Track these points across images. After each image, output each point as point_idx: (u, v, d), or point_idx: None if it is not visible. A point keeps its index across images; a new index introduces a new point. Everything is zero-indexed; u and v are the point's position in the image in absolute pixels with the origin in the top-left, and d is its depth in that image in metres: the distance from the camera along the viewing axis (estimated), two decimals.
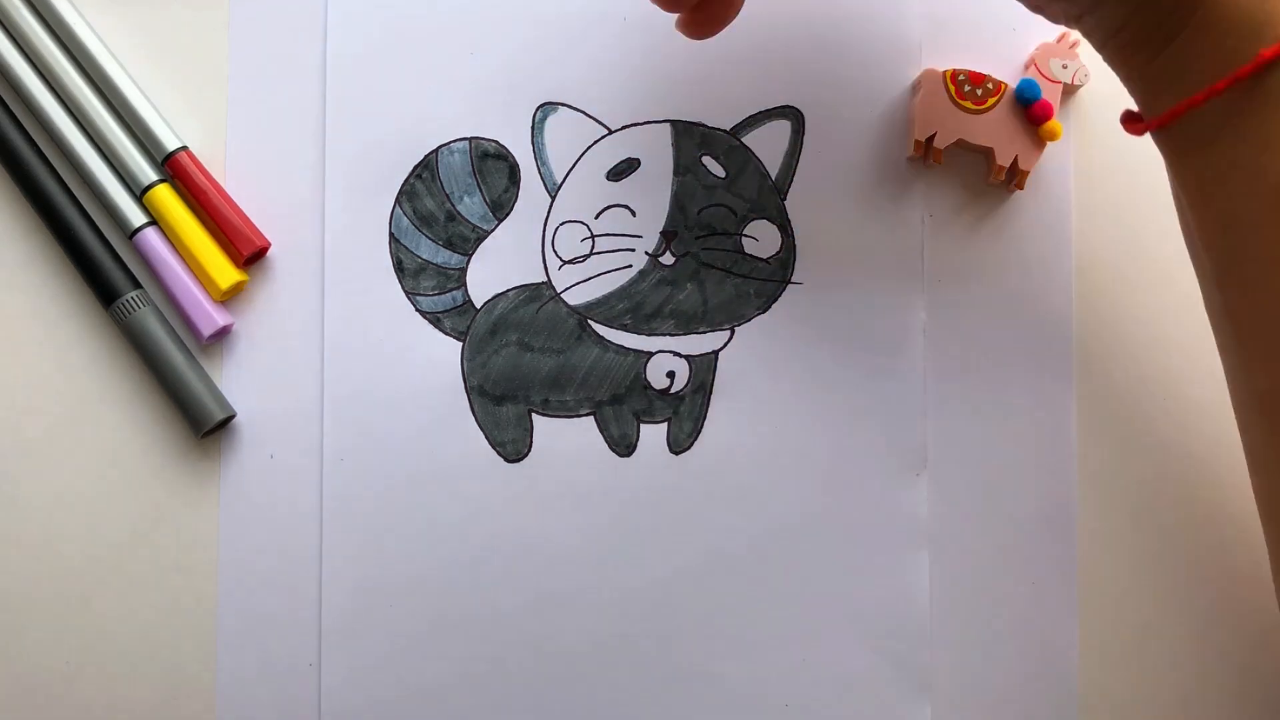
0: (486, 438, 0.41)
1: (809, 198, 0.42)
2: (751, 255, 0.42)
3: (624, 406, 0.42)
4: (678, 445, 0.42)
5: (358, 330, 0.42)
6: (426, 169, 0.42)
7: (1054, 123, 0.41)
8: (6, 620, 0.41)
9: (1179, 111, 0.31)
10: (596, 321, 0.42)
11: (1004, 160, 0.41)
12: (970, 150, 0.42)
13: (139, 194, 0.42)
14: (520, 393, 0.42)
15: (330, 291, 0.42)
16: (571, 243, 0.42)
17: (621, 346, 0.42)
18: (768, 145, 0.42)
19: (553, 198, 0.42)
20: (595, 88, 0.42)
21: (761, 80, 0.42)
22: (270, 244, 0.42)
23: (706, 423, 0.42)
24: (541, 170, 0.42)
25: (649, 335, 0.42)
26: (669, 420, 0.42)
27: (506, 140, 0.42)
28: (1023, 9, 0.35)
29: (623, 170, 0.42)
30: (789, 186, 0.42)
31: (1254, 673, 0.41)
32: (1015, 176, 0.41)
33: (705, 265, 0.42)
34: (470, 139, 0.42)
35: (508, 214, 0.42)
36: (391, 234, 0.42)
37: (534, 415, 0.42)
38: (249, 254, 0.41)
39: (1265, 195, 0.30)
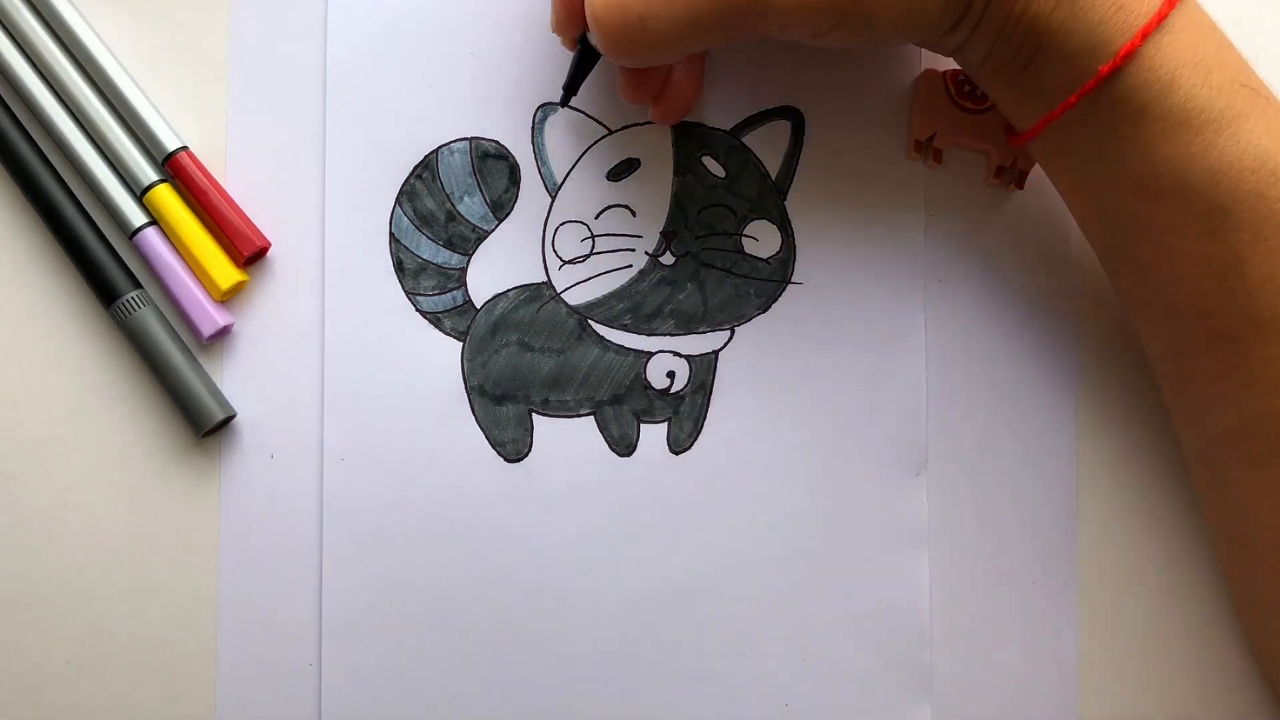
0: (486, 438, 0.41)
1: (809, 198, 0.42)
2: (751, 255, 0.42)
3: (624, 406, 0.42)
4: (678, 445, 0.42)
5: (358, 330, 0.42)
6: (426, 169, 0.42)
7: None
8: (6, 620, 0.41)
9: (1042, 125, 0.36)
10: (597, 321, 0.42)
11: (1004, 160, 0.41)
12: (970, 150, 0.42)
13: (139, 194, 0.42)
14: (520, 393, 0.42)
15: (330, 291, 0.42)
16: (571, 243, 0.42)
17: (621, 346, 0.42)
18: (768, 145, 0.42)
19: (553, 198, 0.42)
20: (595, 88, 0.42)
21: (761, 80, 0.42)
22: (270, 244, 0.42)
23: (706, 423, 0.42)
24: (541, 170, 0.42)
25: (649, 335, 0.42)
26: (669, 420, 0.42)
27: (507, 140, 0.42)
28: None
29: (623, 170, 0.42)
30: (789, 186, 0.42)
31: (1254, 673, 0.41)
32: (1015, 176, 0.41)
33: (705, 265, 0.42)
34: (470, 139, 0.42)
35: (508, 214, 0.42)
36: (391, 234, 0.42)
37: (534, 415, 0.42)
38: (249, 254, 0.41)
39: (1127, 183, 0.35)
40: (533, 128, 0.42)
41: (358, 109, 0.42)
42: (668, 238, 0.42)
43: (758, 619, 0.41)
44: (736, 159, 0.42)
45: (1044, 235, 0.42)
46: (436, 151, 0.42)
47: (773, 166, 0.42)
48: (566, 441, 0.42)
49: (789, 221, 0.42)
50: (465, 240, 0.42)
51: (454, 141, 0.42)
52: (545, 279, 0.42)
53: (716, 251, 0.42)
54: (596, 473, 0.41)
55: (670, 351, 0.42)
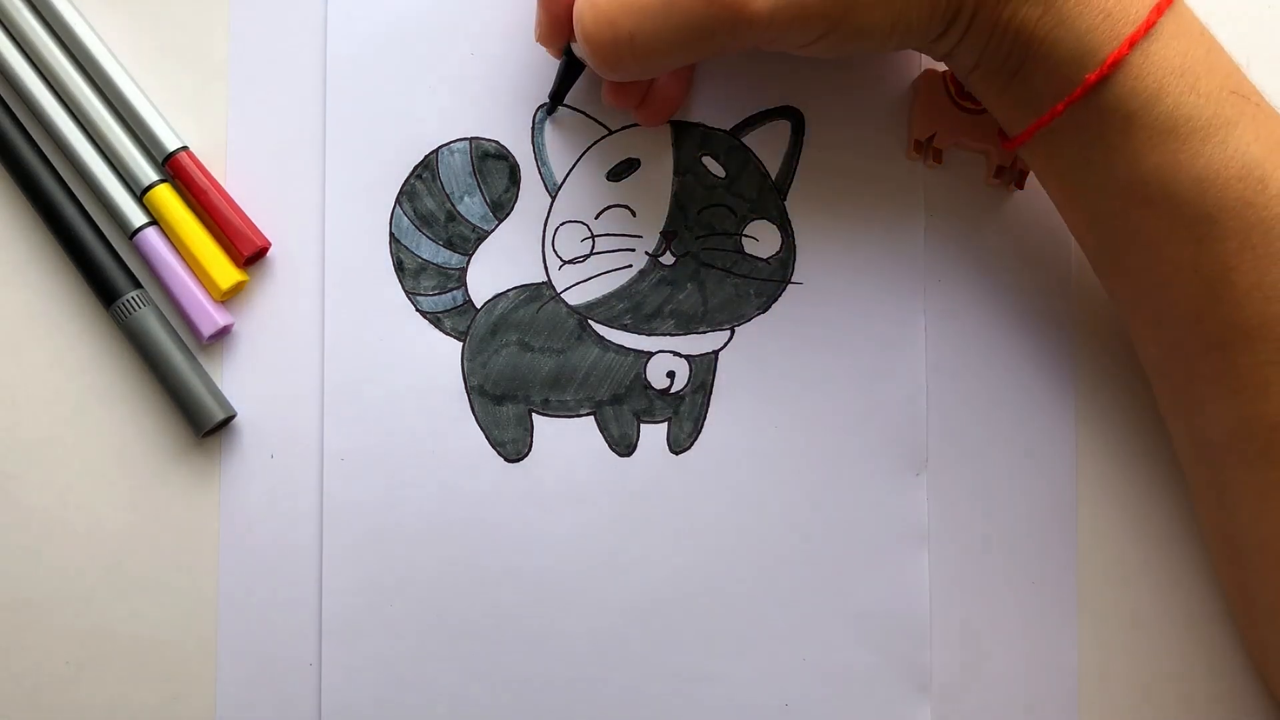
0: (486, 438, 0.41)
1: (809, 198, 0.42)
2: (751, 255, 0.42)
3: (624, 406, 0.42)
4: (678, 445, 0.42)
5: (358, 330, 0.42)
6: (426, 169, 0.42)
7: None
8: (6, 620, 0.41)
9: (1031, 131, 0.36)
10: (597, 321, 0.42)
11: (1004, 160, 0.41)
12: (970, 150, 0.42)
13: (139, 194, 0.42)
14: (520, 392, 0.42)
15: (330, 291, 0.42)
16: (572, 243, 0.42)
17: (621, 346, 0.42)
18: (768, 145, 0.42)
19: (553, 198, 0.42)
20: (596, 88, 0.42)
21: (761, 80, 0.42)
22: (270, 244, 0.42)
23: (706, 423, 0.42)
24: (542, 170, 0.42)
25: (649, 335, 0.42)
26: (669, 420, 0.42)
27: (507, 140, 0.42)
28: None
29: (623, 170, 0.42)
30: (789, 186, 0.42)
31: (1254, 672, 0.41)
32: (1015, 176, 0.41)
33: (705, 265, 0.42)
34: (470, 139, 0.42)
35: (508, 214, 0.42)
36: (391, 234, 0.42)
37: (534, 415, 0.42)
38: (249, 254, 0.41)
39: (1116, 190, 0.35)
40: (533, 128, 0.42)
41: (358, 109, 0.42)
42: (668, 238, 0.42)
43: (758, 619, 0.41)
44: (736, 159, 0.42)
45: (1044, 235, 0.42)
46: (436, 151, 0.42)
47: (773, 166, 0.42)
48: (566, 441, 0.42)
49: (789, 221, 0.42)
50: (465, 240, 0.42)
51: (454, 141, 0.42)
52: (545, 279, 0.42)
53: (716, 251, 0.42)
54: (596, 473, 0.41)
55: (670, 351, 0.42)
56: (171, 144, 0.42)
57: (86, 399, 0.42)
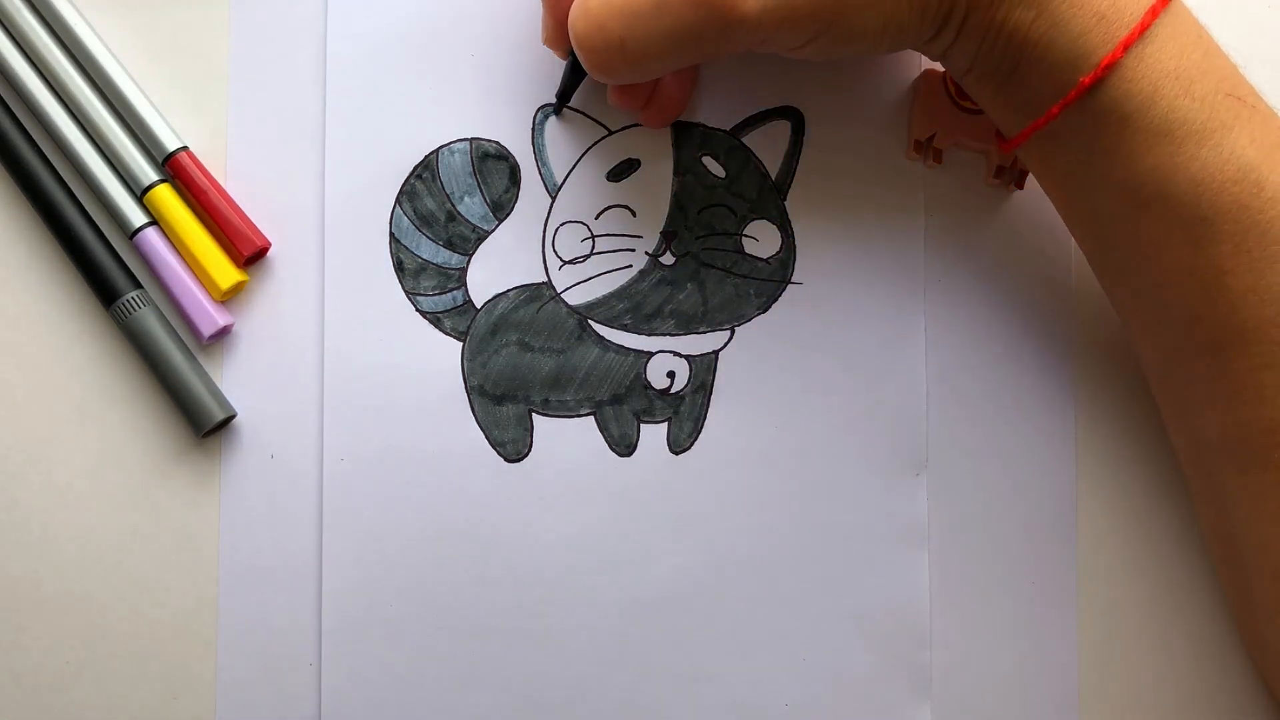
0: (486, 438, 0.41)
1: (809, 198, 0.42)
2: (751, 255, 0.42)
3: (624, 406, 0.42)
4: (678, 445, 0.42)
5: (358, 330, 0.42)
6: (427, 169, 0.42)
7: None
8: (6, 620, 0.41)
9: (1027, 133, 0.36)
10: (597, 321, 0.42)
11: (1004, 160, 0.41)
12: (970, 150, 0.42)
13: (139, 194, 0.42)
14: (520, 393, 0.42)
15: (330, 291, 0.42)
16: (572, 243, 0.42)
17: (621, 346, 0.42)
18: (768, 145, 0.42)
19: (553, 198, 0.42)
20: (596, 89, 0.42)
21: (761, 80, 0.42)
22: (270, 244, 0.42)
23: (706, 423, 0.42)
24: (542, 171, 0.42)
25: (649, 335, 0.42)
26: (669, 420, 0.42)
27: (507, 141, 0.42)
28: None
29: (623, 170, 0.42)
30: (789, 186, 0.42)
31: (1254, 673, 0.41)
32: (1015, 176, 0.41)
33: (705, 265, 0.42)
34: (470, 139, 0.42)
35: (508, 214, 0.42)
36: (392, 234, 0.42)
37: (534, 415, 0.42)
38: (249, 254, 0.41)
39: (1112, 192, 0.35)
40: (533, 128, 0.42)
41: (358, 109, 0.42)
42: (668, 238, 0.42)
43: (758, 619, 0.41)
44: (736, 159, 0.42)
45: (1044, 235, 0.42)
46: (436, 151, 0.42)
47: (773, 166, 0.42)
48: (566, 441, 0.42)
49: (789, 221, 0.42)
50: (465, 240, 0.42)
51: (454, 142, 0.42)
52: (545, 279, 0.42)
53: (716, 251, 0.42)
54: (596, 473, 0.41)
55: (670, 351, 0.42)
56: (171, 144, 0.42)
57: (86, 399, 0.42)
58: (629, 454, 0.42)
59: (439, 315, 0.42)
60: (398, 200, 0.42)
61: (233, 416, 0.41)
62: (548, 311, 0.42)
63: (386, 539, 0.41)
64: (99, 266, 0.41)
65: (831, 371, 0.42)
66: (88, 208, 0.42)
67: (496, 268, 0.42)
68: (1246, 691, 0.41)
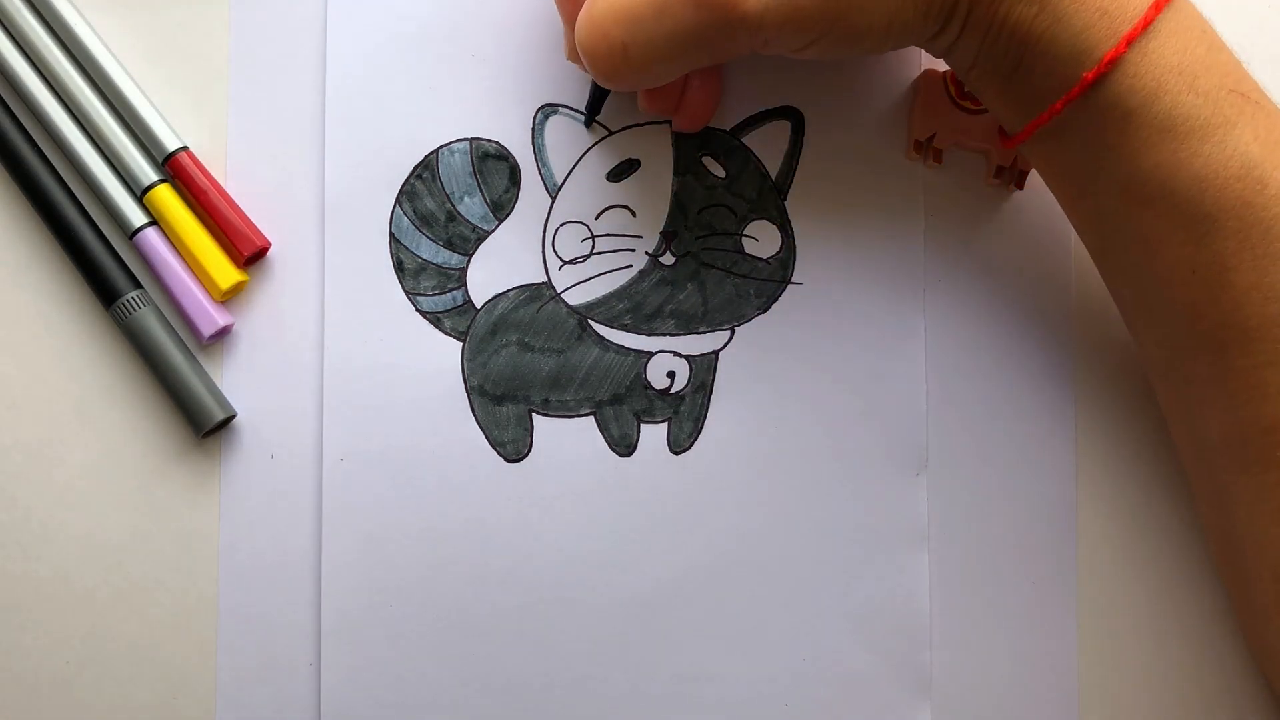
0: (486, 438, 0.41)
1: (809, 198, 0.42)
2: (751, 255, 0.42)
3: (624, 406, 0.42)
4: (678, 445, 0.42)
5: (358, 330, 0.42)
6: (427, 169, 0.42)
7: None
8: (6, 620, 0.41)
9: (1030, 130, 0.36)
10: (597, 321, 0.42)
11: (1004, 160, 0.41)
12: (970, 150, 0.42)
13: (139, 194, 0.42)
14: (520, 393, 0.42)
15: (330, 291, 0.42)
16: (572, 243, 0.42)
17: (622, 346, 0.42)
18: (768, 145, 0.42)
19: (553, 198, 0.42)
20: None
21: (761, 80, 0.42)
22: (270, 244, 0.42)
23: (706, 423, 0.42)
24: (542, 171, 0.42)
25: (649, 335, 0.42)
26: (669, 420, 0.42)
27: (507, 141, 0.42)
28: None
29: (623, 171, 0.42)
30: (789, 186, 0.42)
31: (1254, 673, 0.41)
32: (1015, 176, 0.41)
33: (705, 265, 0.42)
34: (471, 139, 0.42)
35: (508, 214, 0.42)
36: (391, 234, 0.42)
37: (534, 415, 0.42)
38: (249, 254, 0.41)
39: (1115, 188, 0.35)
40: (533, 128, 0.42)
41: (358, 109, 0.42)
42: (668, 238, 0.42)
43: (758, 619, 0.41)
44: (736, 159, 0.42)
45: (1044, 235, 0.42)
46: (436, 152, 0.42)
47: (773, 166, 0.42)
48: (566, 441, 0.42)
49: (789, 221, 0.42)
50: (465, 240, 0.42)
51: (454, 142, 0.42)
52: (545, 279, 0.42)
53: (716, 251, 0.42)
54: (596, 473, 0.41)
55: (670, 351, 0.42)
56: (171, 144, 0.42)
57: (86, 399, 0.42)
58: (629, 454, 0.42)
59: (439, 315, 0.42)
60: (398, 200, 0.42)
61: (233, 416, 0.41)
62: (548, 311, 0.42)
63: (386, 539, 0.41)
64: (99, 266, 0.41)
65: (832, 371, 0.42)
66: (88, 208, 0.42)
67: (496, 268, 0.42)
68: (1247, 691, 0.41)
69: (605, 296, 0.42)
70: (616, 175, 0.42)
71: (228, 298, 0.42)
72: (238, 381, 0.42)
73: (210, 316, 0.41)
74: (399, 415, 0.41)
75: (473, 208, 0.42)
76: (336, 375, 0.41)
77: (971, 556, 0.42)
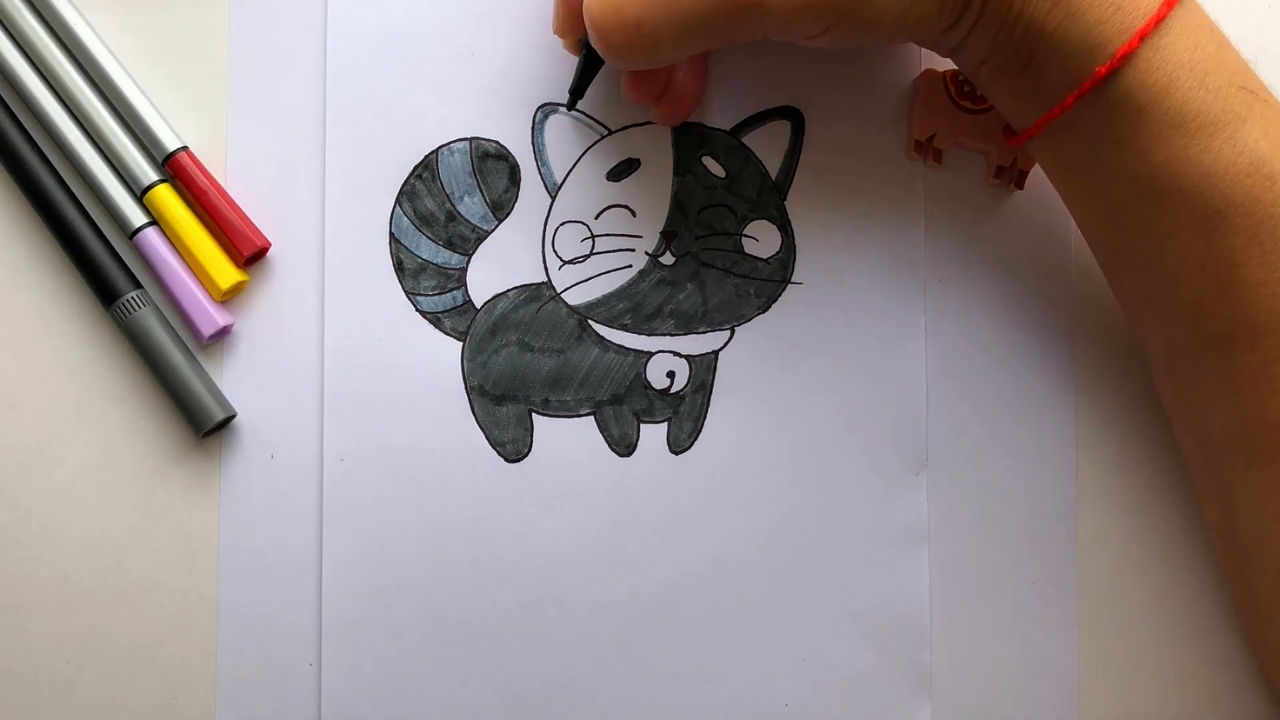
0: (486, 438, 0.41)
1: (809, 198, 0.42)
2: (751, 255, 0.42)
3: (624, 406, 0.42)
4: (678, 445, 0.42)
5: (358, 330, 0.42)
6: (426, 169, 0.42)
7: None
8: (6, 620, 0.41)
9: (1040, 125, 0.36)
10: (597, 321, 0.42)
11: (1004, 160, 0.41)
12: (970, 150, 0.42)
13: (139, 194, 0.42)
14: (520, 393, 0.42)
15: (330, 291, 0.42)
16: (572, 243, 0.42)
17: (621, 346, 0.42)
18: (768, 145, 0.42)
19: (553, 198, 0.42)
20: (596, 88, 0.42)
21: (761, 80, 0.42)
22: (270, 244, 0.42)
23: (706, 423, 0.42)
24: (542, 171, 0.42)
25: (649, 335, 0.42)
26: (669, 420, 0.42)
27: (507, 140, 0.42)
28: None
29: (623, 170, 0.42)
30: (789, 186, 0.42)
31: (1254, 672, 0.41)
32: (1015, 176, 0.41)
33: (705, 265, 0.42)
34: (470, 139, 0.42)
35: (508, 214, 0.42)
36: (391, 234, 0.42)
37: (534, 415, 0.42)
38: (249, 254, 0.41)
39: (1124, 184, 0.35)
40: (533, 128, 0.42)
41: (358, 109, 0.42)
42: (668, 238, 0.42)
43: (758, 619, 0.41)
44: (736, 159, 0.42)
45: (1044, 235, 0.42)
46: (436, 151, 0.42)
47: (773, 166, 0.42)
48: (566, 441, 0.42)
49: (789, 221, 0.42)
50: (465, 240, 0.42)
51: (454, 141, 0.42)
52: (545, 279, 0.42)
53: (716, 251, 0.42)
54: (596, 473, 0.41)
55: (670, 351, 0.42)
56: (171, 144, 0.42)
57: (86, 399, 0.42)
58: (629, 454, 0.42)
59: (439, 315, 0.42)
60: (398, 200, 0.42)
61: (233, 416, 0.41)
62: (548, 311, 0.42)
63: (386, 539, 0.41)
64: (99, 266, 0.41)
65: (831, 371, 0.42)
66: (88, 208, 0.42)
67: (496, 268, 0.42)
68: (1247, 691, 0.41)
69: (605, 296, 0.42)
70: (616, 175, 0.42)
71: (228, 298, 0.42)
72: (238, 381, 0.42)
73: (210, 316, 0.41)
74: (399, 415, 0.41)
75: (472, 207, 0.42)
76: (336, 375, 0.41)
77: (971, 556, 0.42)
